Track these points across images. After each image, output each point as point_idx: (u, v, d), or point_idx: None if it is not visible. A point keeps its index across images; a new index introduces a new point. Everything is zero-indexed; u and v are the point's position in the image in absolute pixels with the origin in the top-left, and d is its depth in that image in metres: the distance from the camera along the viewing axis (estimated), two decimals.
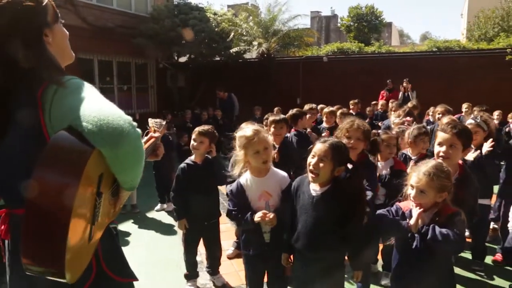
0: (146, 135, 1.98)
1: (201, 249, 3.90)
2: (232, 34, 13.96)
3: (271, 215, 2.48)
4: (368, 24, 28.87)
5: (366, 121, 9.50)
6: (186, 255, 3.77)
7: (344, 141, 2.84)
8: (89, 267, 1.34)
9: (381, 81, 11.89)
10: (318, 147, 2.36)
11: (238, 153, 2.64)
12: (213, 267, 3.84)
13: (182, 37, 12.68)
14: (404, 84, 11.10)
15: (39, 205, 1.10)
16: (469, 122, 4.00)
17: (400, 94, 11.13)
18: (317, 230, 2.33)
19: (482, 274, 3.92)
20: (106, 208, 1.39)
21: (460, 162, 2.73)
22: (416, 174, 2.18)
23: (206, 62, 14.51)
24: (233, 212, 2.67)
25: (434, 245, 2.06)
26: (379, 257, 3.87)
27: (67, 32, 1.53)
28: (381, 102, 10.33)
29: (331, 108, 7.07)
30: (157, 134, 2.03)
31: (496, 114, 9.21)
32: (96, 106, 1.22)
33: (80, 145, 1.16)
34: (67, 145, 1.16)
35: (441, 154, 2.59)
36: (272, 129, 4.15)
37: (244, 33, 14.56)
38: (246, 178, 2.67)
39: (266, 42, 14.27)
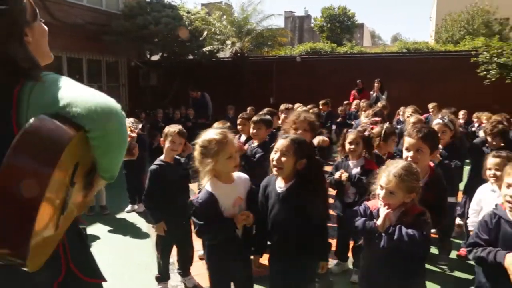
0: None
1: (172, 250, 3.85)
2: (205, 33, 13.89)
3: (249, 213, 2.50)
4: (341, 25, 29.25)
5: (338, 120, 9.73)
6: (162, 258, 3.70)
7: (291, 132, 2.92)
8: (58, 266, 1.33)
9: (353, 81, 12.09)
10: (280, 142, 2.46)
11: (206, 162, 2.40)
12: (184, 268, 3.80)
13: (154, 35, 12.51)
14: (376, 84, 11.32)
15: (10, 188, 1.08)
16: (436, 121, 4.12)
17: (373, 94, 11.33)
18: (287, 225, 2.43)
19: (446, 268, 4.04)
20: (77, 198, 1.38)
21: (432, 164, 2.77)
22: (386, 175, 2.20)
23: (179, 61, 14.38)
24: (204, 227, 2.46)
25: (400, 245, 2.10)
26: (350, 254, 3.94)
27: (46, 29, 1.50)
28: (355, 102, 10.50)
29: (304, 108, 7.15)
30: (134, 134, 2.02)
31: (461, 114, 9.53)
32: (80, 91, 1.24)
33: (60, 131, 1.14)
34: (45, 130, 1.13)
35: (409, 159, 2.62)
36: (251, 130, 4.17)
37: (218, 32, 14.51)
38: (214, 187, 2.46)
39: (240, 42, 14.27)
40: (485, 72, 11.97)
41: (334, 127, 9.64)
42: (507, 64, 11.66)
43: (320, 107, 9.73)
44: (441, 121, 4.07)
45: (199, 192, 2.54)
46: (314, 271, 2.60)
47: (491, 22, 22.02)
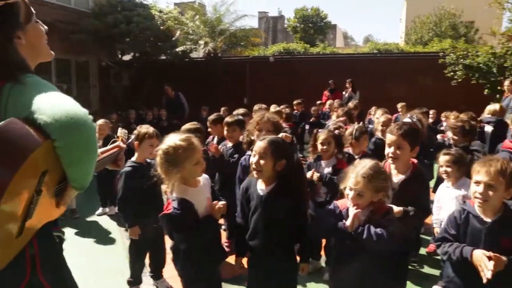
0: (113, 143, 1.99)
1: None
2: (178, 32, 13.77)
3: (222, 202, 2.51)
4: (314, 26, 29.55)
5: (311, 120, 9.82)
6: (136, 262, 3.62)
7: (256, 133, 2.93)
8: (21, 275, 1.31)
9: (326, 81, 12.24)
10: (258, 145, 2.46)
11: (173, 171, 2.29)
12: (157, 271, 3.75)
13: (125, 34, 12.30)
14: (347, 85, 11.50)
15: None
16: (405, 120, 4.21)
17: (345, 94, 11.50)
18: (269, 227, 2.42)
19: (416, 264, 4.14)
20: (46, 207, 1.34)
21: (415, 161, 2.83)
22: (354, 176, 2.22)
23: (152, 61, 14.18)
24: (191, 233, 2.39)
25: (369, 244, 2.14)
26: (322, 253, 3.98)
27: (43, 30, 1.51)
28: (328, 102, 10.63)
29: (277, 108, 7.18)
30: (123, 145, 2.00)
31: (430, 113, 9.78)
32: (53, 99, 1.23)
33: (27, 137, 1.13)
34: (12, 135, 1.12)
35: (390, 155, 2.67)
36: (225, 132, 4.16)
37: (190, 32, 14.41)
38: (186, 193, 2.39)
39: (213, 42, 14.21)
40: (452, 73, 12.35)
41: (307, 127, 9.74)
42: (472, 66, 12.07)
43: (294, 107, 9.82)
44: (409, 120, 4.16)
45: (173, 202, 2.43)
46: (295, 273, 2.59)
47: (457, 25, 22.78)
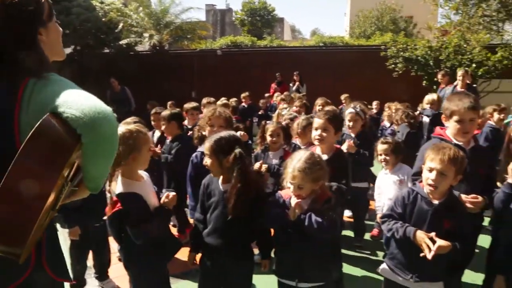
0: None
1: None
2: (121, 24, 13.29)
3: (173, 193, 2.49)
4: (261, 19, 29.71)
5: (260, 112, 9.87)
6: (78, 264, 3.46)
7: (207, 129, 2.92)
8: (26, 261, 1.32)
9: (273, 74, 12.35)
10: (205, 146, 2.46)
11: (128, 156, 2.26)
12: (102, 272, 3.61)
13: (64, 26, 11.67)
14: (295, 77, 11.65)
15: (16, 189, 1.11)
16: (349, 111, 4.33)
17: (293, 87, 11.64)
18: (229, 224, 2.40)
19: (361, 249, 4.30)
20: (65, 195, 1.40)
21: (338, 146, 3.04)
22: (291, 171, 2.25)
23: (94, 55, 13.59)
24: (146, 226, 2.32)
25: (310, 232, 2.19)
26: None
27: (61, 29, 1.55)
28: (276, 94, 10.72)
29: (224, 101, 7.15)
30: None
31: (374, 104, 10.16)
32: (78, 94, 1.27)
33: (66, 137, 1.17)
34: (54, 134, 1.16)
35: (316, 137, 2.89)
36: (163, 126, 4.06)
37: (135, 24, 13.96)
38: (134, 187, 2.35)
39: (158, 34, 13.88)
40: (393, 65, 12.90)
41: (255, 119, 9.78)
42: (411, 58, 12.68)
43: (242, 100, 9.82)
44: (353, 110, 4.29)
45: (118, 197, 2.35)
46: (250, 271, 2.58)
47: (397, 20, 23.83)
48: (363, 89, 11.79)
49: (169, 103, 8.32)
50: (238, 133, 3.13)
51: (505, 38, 13.77)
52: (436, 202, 2.23)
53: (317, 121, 2.91)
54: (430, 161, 2.21)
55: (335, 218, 2.24)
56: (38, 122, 1.17)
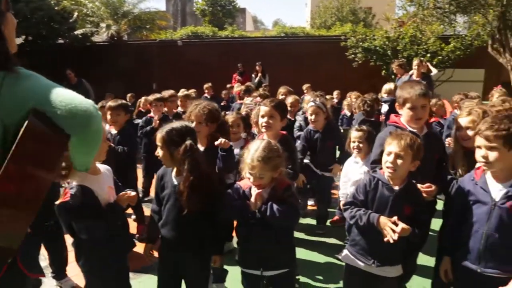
0: None
1: (44, 252, 3.49)
2: (76, 14, 12.77)
3: (133, 193, 2.46)
4: (222, 9, 29.41)
5: (222, 103, 9.80)
6: None
7: (193, 124, 2.88)
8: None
9: (235, 65, 12.28)
10: (157, 136, 2.42)
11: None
12: (59, 271, 3.47)
13: (13, 15, 11.06)
14: (257, 68, 11.62)
15: (9, 195, 1.14)
16: (310, 104, 4.32)
17: (258, 77, 11.58)
18: (181, 217, 2.35)
19: (324, 236, 4.38)
20: None
21: (284, 132, 3.14)
22: (250, 161, 2.23)
23: (48, 45, 13.00)
24: (96, 223, 2.28)
25: (273, 221, 2.20)
26: (234, 233, 4.01)
27: (15, 20, 1.48)
28: (236, 85, 10.65)
29: (185, 92, 7.03)
30: None
31: (335, 94, 10.31)
32: (58, 91, 1.23)
33: (54, 136, 1.17)
34: (41, 136, 1.16)
35: (263, 124, 2.97)
36: (108, 116, 3.91)
37: (90, 14, 13.46)
38: (85, 181, 2.29)
39: (116, 25, 13.45)
40: (353, 55, 13.16)
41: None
42: (370, 48, 12.99)
43: (205, 90, 9.71)
44: (313, 104, 4.29)
45: (70, 190, 2.28)
46: (207, 264, 2.56)
47: (357, 10, 24.29)
48: (324, 79, 11.94)
49: (128, 95, 8.11)
50: (219, 141, 3.05)
51: (457, 30, 14.36)
52: (396, 188, 2.29)
53: (264, 109, 3.00)
54: (389, 145, 2.28)
55: (297, 205, 2.25)
56: (25, 124, 1.14)
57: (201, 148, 2.95)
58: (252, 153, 2.25)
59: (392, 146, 2.26)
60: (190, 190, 2.26)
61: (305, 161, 4.32)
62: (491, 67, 13.27)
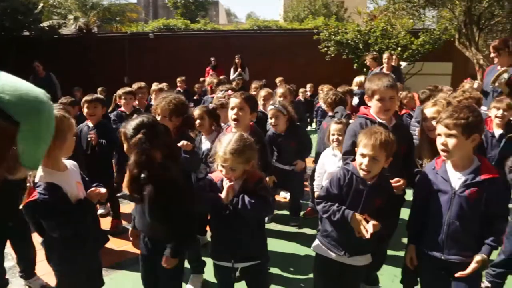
0: None
1: (11, 252, 3.39)
2: (41, 5, 12.31)
3: (103, 190, 2.41)
4: (195, 2, 29.05)
5: (195, 97, 9.71)
6: None
7: (159, 118, 2.82)
8: None
9: (208, 58, 12.16)
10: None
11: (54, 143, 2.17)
12: (27, 270, 3.38)
13: None
14: (236, 61, 11.48)
15: None
16: (270, 108, 4.24)
17: (237, 72, 11.43)
18: (146, 211, 2.31)
19: (297, 227, 4.43)
20: None
21: (252, 124, 3.16)
22: (222, 154, 2.22)
23: (13, 37, 12.52)
24: (64, 220, 2.22)
25: (245, 214, 2.21)
26: (208, 228, 4.00)
27: None
28: (207, 78, 10.54)
29: (159, 86, 6.95)
30: None
31: (308, 86, 10.39)
32: (6, 77, 1.14)
33: (4, 124, 1.07)
34: None
35: (233, 116, 2.97)
36: (85, 110, 3.83)
37: (57, 5, 13.03)
38: (53, 177, 2.24)
39: (84, 17, 13.07)
40: (325, 49, 13.27)
41: (191, 104, 9.60)
42: (342, 42, 13.12)
43: (178, 84, 9.59)
44: (273, 107, 4.19)
45: (37, 188, 2.21)
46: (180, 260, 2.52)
47: (329, 4, 24.43)
48: (298, 72, 12.01)
49: (99, 89, 7.92)
50: (181, 143, 2.98)
51: (426, 24, 14.68)
52: (370, 182, 2.32)
53: (234, 101, 3.00)
54: (363, 147, 2.27)
55: (268, 197, 2.25)
56: None
57: None
58: (224, 145, 2.24)
59: (366, 149, 2.25)
60: (134, 183, 2.19)
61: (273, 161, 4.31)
62: (458, 60, 13.66)
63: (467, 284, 2.15)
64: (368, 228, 2.15)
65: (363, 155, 2.27)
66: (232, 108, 3.00)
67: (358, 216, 2.23)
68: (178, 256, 2.37)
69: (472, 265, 2.09)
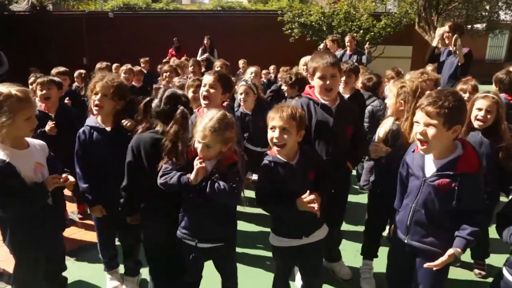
0: None
1: None
2: None
3: (72, 180, 2.32)
4: None
5: (159, 79, 9.46)
6: None
7: (97, 97, 2.65)
8: None
9: (171, 39, 11.86)
10: None
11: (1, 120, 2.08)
12: None
13: None
14: (205, 42, 11.21)
15: None
16: (241, 84, 4.27)
17: (206, 54, 11.17)
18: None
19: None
20: None
21: (224, 104, 3.06)
22: (202, 130, 2.16)
23: None
24: (12, 200, 2.15)
25: (212, 198, 2.16)
26: None
27: None
28: (172, 60, 10.29)
29: (129, 66, 6.72)
30: None
31: (271, 68, 10.37)
32: None
33: None
34: None
35: (204, 93, 2.80)
36: (38, 92, 3.63)
37: None
38: (7, 154, 2.15)
39: None
40: (289, 31, 13.27)
41: (155, 86, 9.36)
42: (306, 24, 13.15)
43: (142, 65, 9.30)
44: (244, 83, 4.24)
45: None
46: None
47: None
48: (261, 54, 11.93)
49: (53, 71, 7.54)
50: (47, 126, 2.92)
51: (387, 8, 14.96)
52: (293, 162, 2.28)
53: (207, 78, 2.85)
54: (272, 121, 2.24)
55: (238, 184, 2.19)
56: None
57: (107, 128, 2.73)
58: (205, 121, 2.17)
59: (275, 121, 2.22)
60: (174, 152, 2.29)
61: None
62: (418, 44, 14.04)
63: (432, 272, 2.07)
64: (314, 206, 2.13)
65: (273, 128, 2.24)
66: (204, 85, 2.85)
67: (299, 200, 2.19)
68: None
69: (443, 258, 1.99)
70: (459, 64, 5.35)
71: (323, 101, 2.66)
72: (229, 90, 3.02)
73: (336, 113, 2.66)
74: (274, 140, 2.22)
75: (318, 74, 2.60)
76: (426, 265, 2.05)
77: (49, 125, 3.60)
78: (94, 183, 2.74)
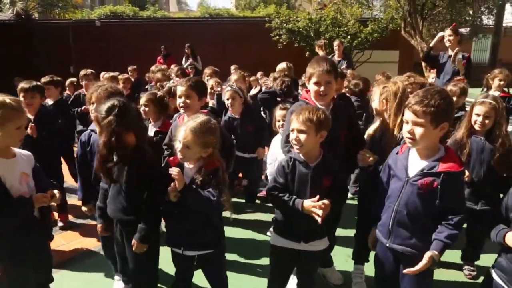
0: None
1: None
2: None
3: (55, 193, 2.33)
4: None
5: (146, 87, 9.43)
6: None
7: (93, 107, 2.72)
8: None
9: (159, 47, 11.84)
10: None
11: None
12: None
13: None
14: (186, 50, 11.23)
15: None
16: (227, 89, 4.32)
17: (189, 61, 11.18)
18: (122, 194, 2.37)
19: (252, 213, 4.48)
20: None
21: (205, 110, 3.07)
22: (184, 129, 2.22)
23: None
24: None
25: (192, 206, 2.21)
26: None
27: None
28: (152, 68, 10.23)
29: (111, 74, 6.77)
30: None
31: (259, 74, 10.40)
32: None
33: None
34: None
35: (181, 105, 2.89)
36: (21, 99, 3.60)
37: None
38: None
39: (23, 1, 12.27)
40: (277, 37, 13.33)
41: (143, 94, 9.32)
42: (294, 30, 13.23)
43: (130, 73, 9.26)
44: (230, 88, 4.32)
45: None
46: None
47: None
48: (250, 60, 11.95)
49: (42, 79, 7.47)
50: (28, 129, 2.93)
51: (374, 13, 15.14)
52: (313, 164, 2.31)
53: (180, 89, 2.91)
54: (292, 123, 2.31)
55: (218, 193, 2.21)
56: None
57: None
58: (190, 123, 2.25)
59: (293, 123, 2.29)
60: (103, 164, 2.28)
61: None
62: (404, 49, 14.21)
63: (416, 277, 2.08)
64: (318, 213, 2.14)
65: (292, 130, 2.30)
66: (180, 97, 2.92)
67: (307, 202, 2.21)
68: (147, 242, 2.37)
69: (422, 262, 2.01)
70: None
71: (319, 105, 2.66)
72: (205, 94, 3.13)
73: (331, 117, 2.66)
74: (293, 141, 2.29)
75: (313, 79, 2.63)
76: (405, 270, 2.07)
77: (30, 127, 3.63)
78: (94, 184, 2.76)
